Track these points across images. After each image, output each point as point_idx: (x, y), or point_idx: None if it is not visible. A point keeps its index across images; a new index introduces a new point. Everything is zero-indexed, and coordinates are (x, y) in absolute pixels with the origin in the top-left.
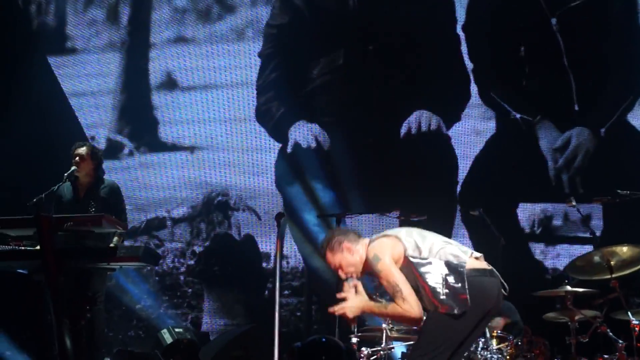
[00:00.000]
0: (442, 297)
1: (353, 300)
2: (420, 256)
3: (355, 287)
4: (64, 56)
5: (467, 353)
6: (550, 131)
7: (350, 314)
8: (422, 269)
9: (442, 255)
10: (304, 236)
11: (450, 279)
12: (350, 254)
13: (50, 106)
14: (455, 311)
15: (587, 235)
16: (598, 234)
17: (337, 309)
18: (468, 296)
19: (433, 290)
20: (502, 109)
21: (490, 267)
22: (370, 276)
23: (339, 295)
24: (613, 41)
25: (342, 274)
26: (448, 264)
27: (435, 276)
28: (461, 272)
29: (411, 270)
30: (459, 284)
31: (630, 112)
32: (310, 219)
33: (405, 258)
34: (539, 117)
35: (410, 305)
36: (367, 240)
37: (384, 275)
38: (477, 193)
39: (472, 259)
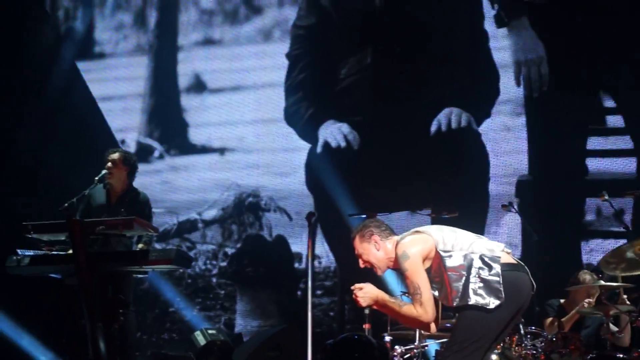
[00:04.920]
0: (477, 290)
1: (369, 288)
2: (453, 250)
3: None
4: (93, 61)
5: (500, 350)
6: None
7: (363, 302)
8: (453, 264)
9: (476, 248)
10: (336, 236)
11: (484, 273)
12: (375, 248)
13: (80, 111)
14: (490, 305)
15: (621, 229)
16: (631, 228)
17: (355, 291)
18: (503, 290)
19: (465, 284)
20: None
21: (521, 263)
22: (397, 273)
23: (354, 286)
24: None
25: (361, 263)
26: (482, 258)
27: (468, 270)
28: (496, 265)
29: (439, 266)
30: (494, 277)
31: None
32: (341, 219)
33: (437, 253)
34: None
35: (425, 311)
36: (397, 238)
37: (409, 275)
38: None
39: (504, 253)
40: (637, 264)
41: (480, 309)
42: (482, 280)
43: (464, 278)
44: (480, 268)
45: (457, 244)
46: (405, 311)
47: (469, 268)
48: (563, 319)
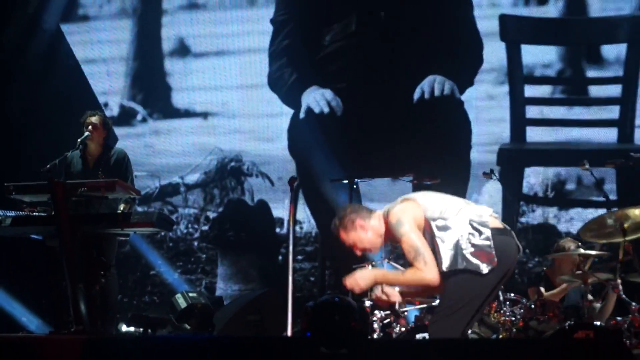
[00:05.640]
0: (468, 255)
1: (360, 272)
2: (441, 216)
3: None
4: (77, 23)
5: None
6: None
7: (361, 283)
8: (442, 230)
9: (465, 214)
10: (317, 201)
11: (475, 238)
12: (363, 232)
13: (64, 73)
14: (484, 270)
15: (601, 199)
16: (612, 197)
17: (347, 282)
18: (494, 254)
19: (455, 249)
20: None
21: (507, 227)
22: (393, 243)
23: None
24: None
25: (357, 252)
26: (471, 223)
27: (458, 235)
28: (486, 230)
29: (429, 232)
30: (485, 242)
31: None
32: (323, 184)
33: (426, 220)
34: None
35: (430, 269)
36: (380, 212)
37: (405, 240)
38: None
39: (492, 218)
40: (616, 233)
41: (471, 272)
42: (473, 245)
43: (454, 243)
44: (470, 233)
45: (445, 209)
46: (410, 275)
47: (459, 233)
48: (550, 293)
